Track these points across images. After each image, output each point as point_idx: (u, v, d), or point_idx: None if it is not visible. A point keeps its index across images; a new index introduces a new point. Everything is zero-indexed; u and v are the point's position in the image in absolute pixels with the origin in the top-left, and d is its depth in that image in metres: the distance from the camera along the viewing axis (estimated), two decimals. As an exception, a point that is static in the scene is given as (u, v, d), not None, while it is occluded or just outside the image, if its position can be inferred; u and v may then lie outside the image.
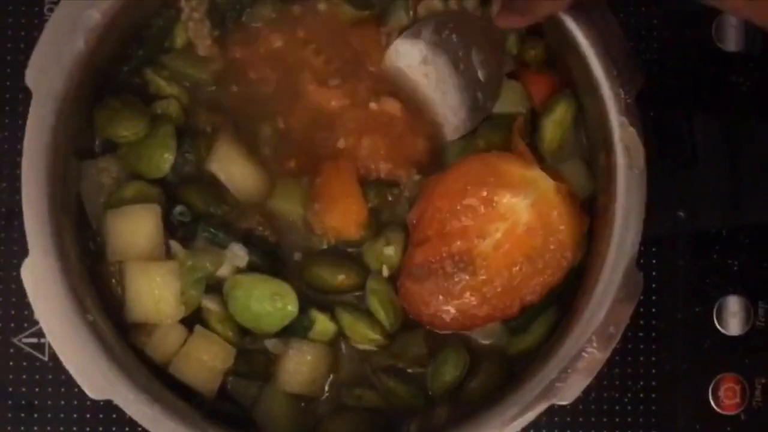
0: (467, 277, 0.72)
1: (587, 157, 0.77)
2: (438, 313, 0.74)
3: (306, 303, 0.74)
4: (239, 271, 0.74)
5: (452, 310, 0.73)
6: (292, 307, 0.73)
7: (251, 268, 0.74)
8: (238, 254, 0.74)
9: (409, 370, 0.76)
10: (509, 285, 0.73)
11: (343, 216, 0.74)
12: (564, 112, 0.75)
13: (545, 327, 0.74)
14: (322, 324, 0.74)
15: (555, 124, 0.75)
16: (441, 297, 0.73)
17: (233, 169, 0.75)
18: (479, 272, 0.72)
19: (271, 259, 0.75)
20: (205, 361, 0.73)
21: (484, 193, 0.72)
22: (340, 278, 0.75)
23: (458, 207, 0.73)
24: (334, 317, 0.75)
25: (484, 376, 0.75)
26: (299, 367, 0.74)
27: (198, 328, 0.74)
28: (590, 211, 0.76)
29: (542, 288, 0.73)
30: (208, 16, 0.76)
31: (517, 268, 0.72)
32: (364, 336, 0.75)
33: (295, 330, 0.74)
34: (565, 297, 0.75)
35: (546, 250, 0.72)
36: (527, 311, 0.74)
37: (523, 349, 0.75)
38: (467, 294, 0.73)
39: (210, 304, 0.74)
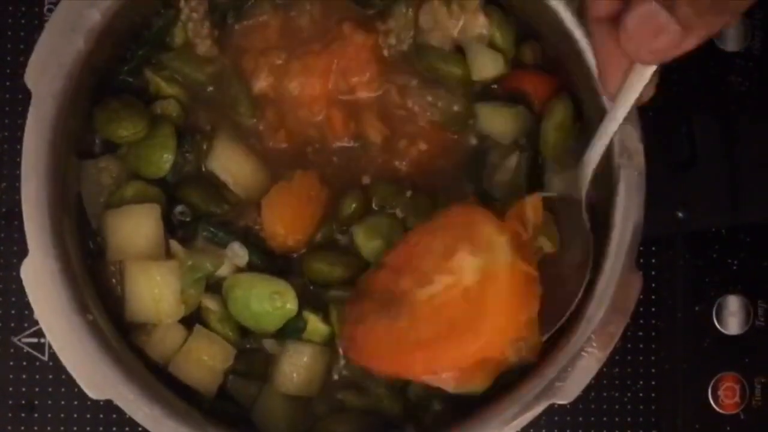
0: (389, 320, 0.69)
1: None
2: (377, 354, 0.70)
3: (302, 303, 0.74)
4: (239, 270, 0.74)
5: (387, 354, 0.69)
6: (291, 305, 0.73)
7: (251, 267, 0.74)
8: (239, 253, 0.74)
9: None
10: (426, 343, 0.68)
11: (284, 225, 0.74)
12: (563, 115, 0.75)
13: None
14: (314, 325, 0.74)
15: (556, 127, 0.74)
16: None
17: (233, 166, 0.75)
18: (401, 318, 0.69)
19: (270, 258, 0.75)
20: (205, 360, 0.73)
21: (450, 242, 0.69)
22: (339, 271, 0.75)
23: (425, 248, 0.70)
24: (327, 317, 0.75)
25: None
26: (295, 368, 0.74)
27: (198, 327, 0.74)
28: (590, 211, 0.76)
29: (454, 368, 0.67)
30: (208, 16, 0.76)
31: (436, 329, 0.68)
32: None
33: (290, 331, 0.74)
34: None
35: (465, 324, 0.67)
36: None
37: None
38: (393, 336, 0.69)
39: (210, 304, 0.74)
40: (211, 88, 0.77)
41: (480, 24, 0.76)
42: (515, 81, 0.77)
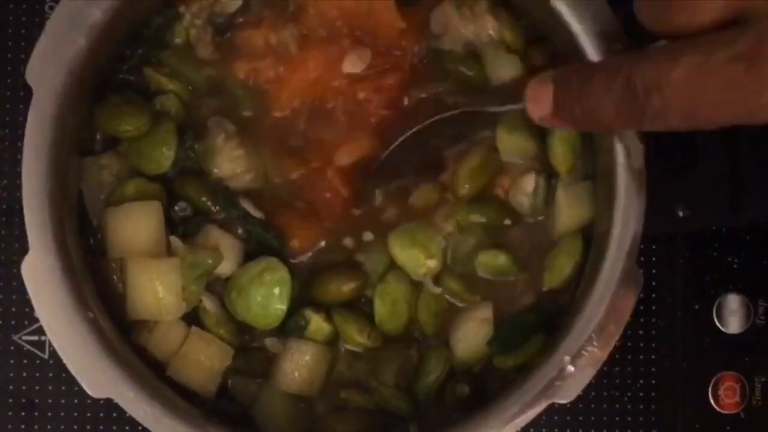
0: None
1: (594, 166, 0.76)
2: None
3: (302, 302, 0.75)
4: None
5: None
6: (283, 274, 0.73)
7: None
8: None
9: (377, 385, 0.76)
10: None
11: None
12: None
13: (532, 350, 0.74)
14: (317, 324, 0.74)
15: (562, 141, 0.74)
16: None
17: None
18: None
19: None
20: (203, 361, 0.73)
21: None
22: (348, 287, 0.75)
23: None
24: (329, 317, 0.75)
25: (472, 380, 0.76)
26: (297, 367, 0.74)
27: (194, 329, 0.74)
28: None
29: None
30: (211, 23, 0.76)
31: None
32: (352, 337, 0.75)
33: (291, 330, 0.75)
34: (559, 307, 0.75)
35: None
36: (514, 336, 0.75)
37: (511, 366, 0.75)
38: None
39: (207, 305, 0.74)
40: (205, 91, 0.77)
41: (489, 26, 0.76)
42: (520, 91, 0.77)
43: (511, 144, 0.76)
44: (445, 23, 0.76)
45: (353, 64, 0.75)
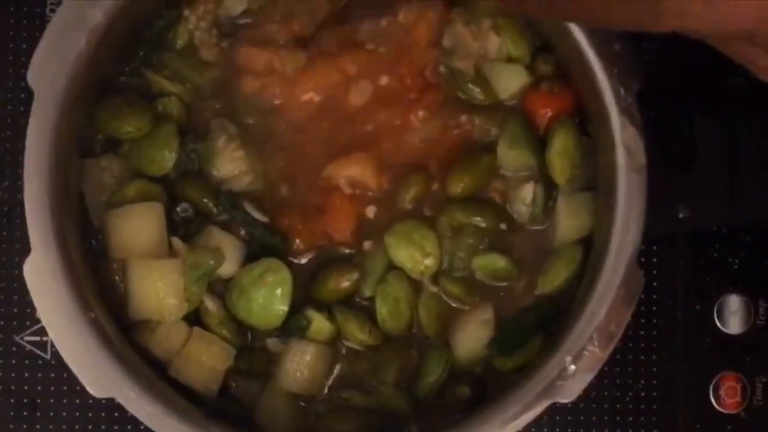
0: None
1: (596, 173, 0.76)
2: None
3: (303, 302, 0.75)
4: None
5: None
6: (285, 274, 0.73)
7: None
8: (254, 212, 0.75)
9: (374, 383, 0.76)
10: None
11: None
12: (564, 142, 0.74)
13: (531, 352, 0.74)
14: (318, 323, 0.74)
15: (558, 156, 0.74)
16: None
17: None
18: None
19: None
20: (204, 362, 0.73)
21: None
22: (346, 282, 0.75)
23: None
24: (331, 316, 0.75)
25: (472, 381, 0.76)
26: (299, 366, 0.75)
27: (196, 329, 0.74)
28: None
29: None
30: (215, 26, 0.76)
31: None
32: (353, 335, 0.75)
33: (292, 330, 0.75)
34: (562, 303, 0.75)
35: None
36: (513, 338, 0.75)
37: (511, 368, 0.75)
38: None
39: (209, 305, 0.74)
40: (208, 93, 0.77)
41: (492, 44, 0.76)
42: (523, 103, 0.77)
43: (512, 160, 0.76)
44: (456, 38, 0.76)
45: (356, 98, 0.76)
